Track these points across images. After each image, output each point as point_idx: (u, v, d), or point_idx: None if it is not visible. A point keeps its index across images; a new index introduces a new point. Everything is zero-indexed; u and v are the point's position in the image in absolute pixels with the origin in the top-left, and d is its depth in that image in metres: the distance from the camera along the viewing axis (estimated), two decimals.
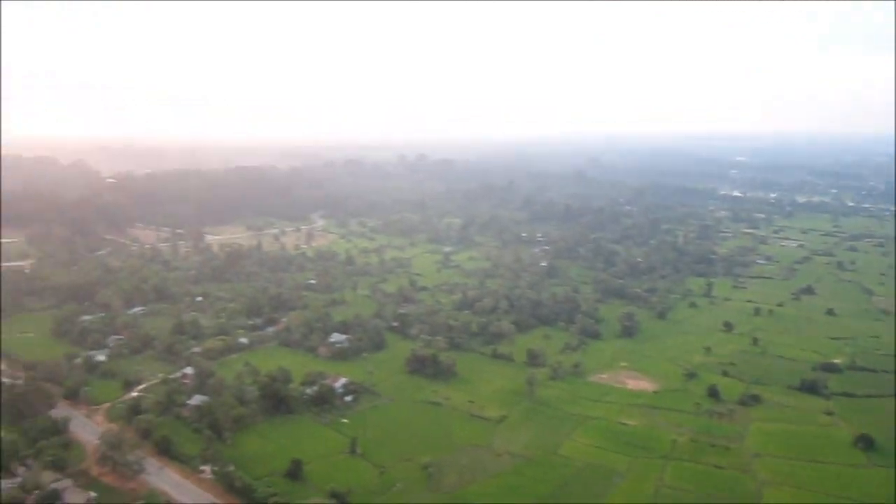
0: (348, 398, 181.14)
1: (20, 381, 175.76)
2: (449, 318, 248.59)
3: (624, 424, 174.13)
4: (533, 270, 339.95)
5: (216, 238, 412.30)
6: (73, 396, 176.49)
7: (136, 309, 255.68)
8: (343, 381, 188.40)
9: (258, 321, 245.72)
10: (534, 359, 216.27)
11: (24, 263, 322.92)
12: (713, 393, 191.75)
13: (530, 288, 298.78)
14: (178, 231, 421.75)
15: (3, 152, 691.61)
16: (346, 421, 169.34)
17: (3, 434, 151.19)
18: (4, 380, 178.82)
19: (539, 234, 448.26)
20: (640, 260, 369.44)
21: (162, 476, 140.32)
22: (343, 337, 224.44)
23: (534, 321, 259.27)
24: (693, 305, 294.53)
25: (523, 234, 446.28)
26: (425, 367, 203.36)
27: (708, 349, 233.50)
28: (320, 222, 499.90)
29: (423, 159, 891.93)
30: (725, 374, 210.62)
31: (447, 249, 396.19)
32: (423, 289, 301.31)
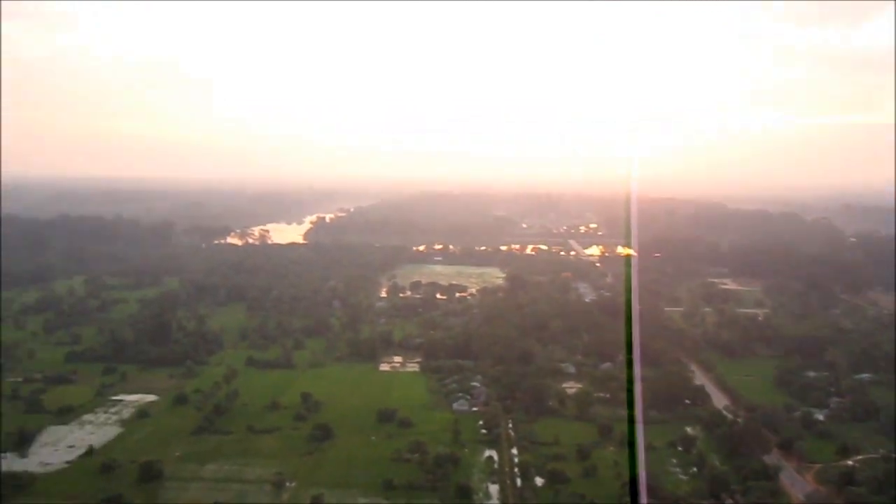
0: None
1: (739, 420, 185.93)
2: None
3: None
4: None
5: None
6: (786, 448, 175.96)
7: (863, 375, 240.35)
8: None
9: None
10: None
11: (759, 312, 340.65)
12: None
13: None
14: None
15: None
16: None
17: (716, 464, 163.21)
18: (727, 414, 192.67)
19: None
20: None
21: None
22: None
23: None
24: None
25: None
26: None
27: None
28: None
29: None
30: None
31: None
32: None
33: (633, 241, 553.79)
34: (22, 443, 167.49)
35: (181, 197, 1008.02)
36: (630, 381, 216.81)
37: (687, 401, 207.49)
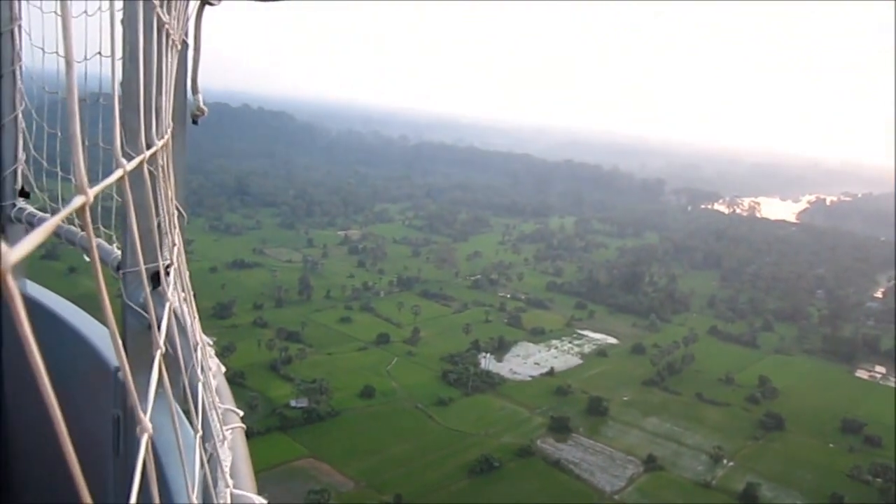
0: None
1: None
2: None
3: None
4: None
5: None
6: None
7: None
8: None
9: None
10: None
11: None
12: None
13: None
14: None
15: None
16: None
17: None
18: None
19: None
20: None
21: None
22: None
23: None
24: None
25: None
26: None
27: None
28: None
29: None
30: None
31: None
32: None
33: None
34: (500, 349, 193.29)
35: (676, 157, 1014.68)
36: None
37: None
